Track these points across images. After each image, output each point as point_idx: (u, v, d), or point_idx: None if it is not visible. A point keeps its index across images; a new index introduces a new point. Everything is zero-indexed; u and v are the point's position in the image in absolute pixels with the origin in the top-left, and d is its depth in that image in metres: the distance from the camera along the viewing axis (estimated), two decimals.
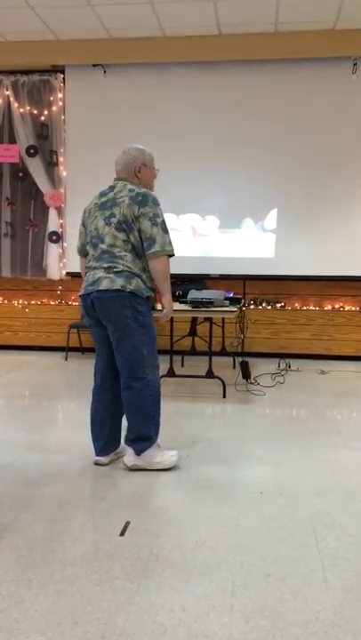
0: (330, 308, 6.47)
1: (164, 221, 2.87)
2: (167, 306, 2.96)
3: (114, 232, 2.88)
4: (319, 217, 6.23)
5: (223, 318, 5.82)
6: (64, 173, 6.65)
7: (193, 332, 5.67)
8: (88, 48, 6.23)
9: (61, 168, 6.66)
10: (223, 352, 6.02)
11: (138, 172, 3.02)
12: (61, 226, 6.72)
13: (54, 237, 6.70)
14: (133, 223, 2.84)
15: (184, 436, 3.57)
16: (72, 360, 6.25)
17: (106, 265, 2.88)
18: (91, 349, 6.60)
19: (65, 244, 6.72)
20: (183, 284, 6.26)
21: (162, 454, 2.95)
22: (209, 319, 4.85)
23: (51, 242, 6.71)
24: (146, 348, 2.88)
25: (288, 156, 6.24)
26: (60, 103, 6.60)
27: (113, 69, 6.42)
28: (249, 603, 1.82)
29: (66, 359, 6.26)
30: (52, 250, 6.71)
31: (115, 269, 2.85)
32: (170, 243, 2.87)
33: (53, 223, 6.70)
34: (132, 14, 5.59)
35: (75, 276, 6.71)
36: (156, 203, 2.89)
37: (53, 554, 2.11)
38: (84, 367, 5.94)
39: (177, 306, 4.79)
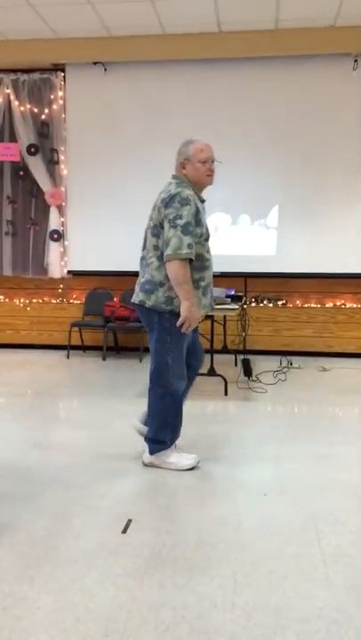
0: (331, 305, 6.46)
1: (187, 223, 2.69)
2: (183, 313, 2.74)
3: (149, 236, 2.86)
4: (321, 214, 6.22)
5: (225, 316, 5.82)
6: (65, 172, 6.65)
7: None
8: (88, 46, 6.22)
9: (62, 166, 6.65)
10: (225, 350, 6.02)
11: (183, 168, 2.94)
12: (62, 224, 6.72)
13: (55, 236, 6.70)
14: (161, 226, 2.79)
15: (186, 433, 3.56)
16: (74, 358, 6.26)
17: (140, 272, 2.91)
18: (92, 348, 6.65)
19: (66, 243, 6.72)
20: None
21: (178, 456, 2.95)
22: (210, 317, 4.85)
23: (52, 240, 6.71)
24: (171, 357, 2.83)
25: (289, 153, 6.23)
26: (61, 101, 6.59)
27: (113, 67, 6.41)
28: (251, 600, 1.82)
29: (68, 357, 6.26)
30: (54, 248, 6.71)
31: (141, 279, 2.88)
32: (188, 246, 2.68)
33: (54, 221, 6.70)
34: (133, 12, 5.58)
35: (76, 274, 6.71)
36: (183, 203, 2.72)
37: (55, 552, 2.11)
38: (85, 365, 5.95)
39: None
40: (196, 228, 2.76)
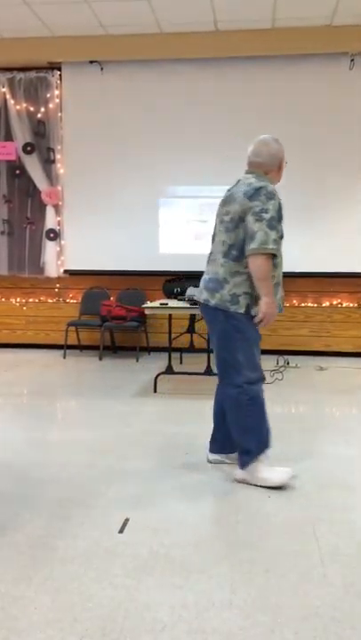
0: (328, 304, 6.47)
1: (273, 217, 2.58)
2: (263, 309, 2.60)
3: (222, 231, 2.74)
4: (317, 213, 6.22)
5: None
6: (61, 171, 6.64)
7: (191, 329, 5.67)
8: (85, 45, 6.21)
9: (59, 165, 6.64)
10: None
11: (279, 169, 2.86)
12: (59, 223, 6.71)
13: (52, 235, 6.69)
14: (240, 220, 2.65)
15: (183, 433, 3.57)
16: (70, 358, 6.25)
17: (206, 270, 2.84)
18: (89, 347, 6.64)
19: (63, 242, 6.71)
20: (181, 280, 6.27)
21: (269, 470, 2.70)
22: None
23: (48, 239, 6.70)
24: (242, 353, 2.69)
25: (286, 151, 6.21)
26: (57, 100, 6.58)
27: (110, 66, 6.40)
28: (248, 599, 1.82)
29: (64, 357, 6.25)
30: (50, 247, 6.70)
31: (206, 277, 2.80)
32: (274, 241, 2.56)
33: (51, 221, 6.69)
34: (129, 11, 5.57)
35: (73, 273, 6.70)
36: (269, 197, 2.61)
37: (53, 551, 2.11)
38: (82, 365, 5.94)
39: (175, 303, 4.80)
40: (279, 224, 2.64)
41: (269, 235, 2.56)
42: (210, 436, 2.99)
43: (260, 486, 2.66)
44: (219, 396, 2.94)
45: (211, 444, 2.99)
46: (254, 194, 2.62)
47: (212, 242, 2.86)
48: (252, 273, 2.61)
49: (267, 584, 1.90)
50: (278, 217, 2.63)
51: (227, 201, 2.77)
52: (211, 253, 2.84)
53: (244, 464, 2.72)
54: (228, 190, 2.84)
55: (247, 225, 2.61)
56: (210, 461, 2.98)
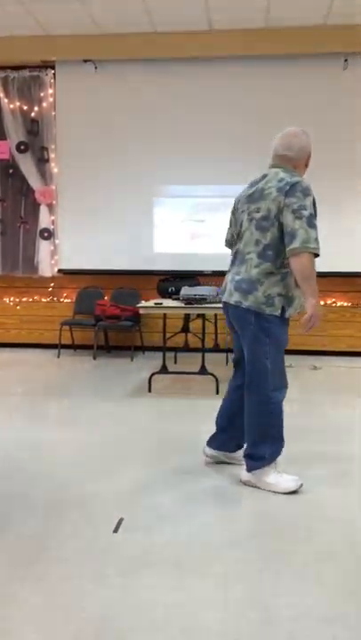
0: (323, 303, 6.48)
1: (311, 215, 2.48)
2: (309, 310, 2.50)
3: (252, 229, 2.61)
4: None
5: (216, 314, 5.81)
6: (55, 170, 6.62)
7: (186, 329, 5.67)
8: (79, 44, 6.20)
9: (52, 164, 6.62)
10: (216, 348, 6.02)
11: (306, 164, 2.75)
12: (53, 222, 6.69)
13: (46, 234, 6.67)
14: (276, 218, 2.53)
15: (177, 432, 3.57)
16: (64, 357, 6.23)
17: (234, 270, 2.70)
18: (83, 347, 6.63)
19: (57, 241, 6.69)
20: (176, 280, 6.26)
21: (278, 476, 2.66)
22: (202, 316, 4.85)
23: (42, 239, 6.68)
24: (270, 360, 2.61)
25: None
26: (51, 99, 6.56)
27: (104, 65, 6.39)
28: (242, 597, 1.82)
29: (58, 356, 6.24)
30: (44, 247, 6.69)
31: (236, 278, 2.65)
32: (315, 240, 2.46)
33: (45, 220, 6.67)
34: (123, 10, 5.56)
35: (67, 272, 6.69)
36: (305, 193, 2.50)
37: (46, 551, 2.10)
38: (76, 364, 5.92)
39: (170, 302, 4.80)
40: (315, 221, 2.53)
41: (310, 233, 2.46)
42: (211, 433, 2.95)
43: (267, 490, 2.63)
44: (233, 396, 2.85)
45: (211, 439, 2.95)
46: (290, 190, 2.50)
47: (239, 239, 2.71)
48: (295, 273, 2.51)
49: (261, 583, 1.90)
50: (315, 214, 2.53)
51: (255, 197, 2.63)
52: (238, 252, 2.71)
53: (252, 468, 2.68)
54: (253, 185, 2.71)
55: (285, 223, 2.49)
56: (206, 455, 2.95)
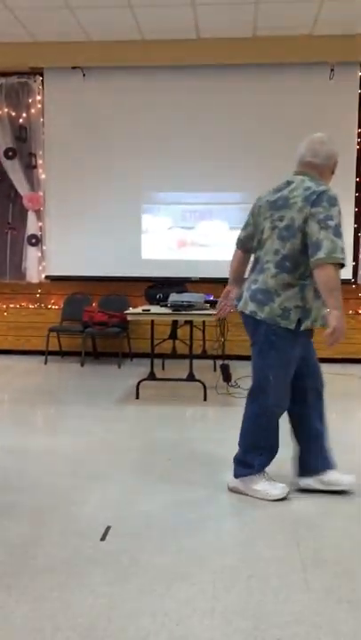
0: None
1: (338, 225, 2.40)
2: (331, 323, 2.39)
3: (274, 238, 2.54)
4: None
5: (204, 321, 5.83)
6: (43, 176, 6.61)
7: (174, 336, 5.67)
8: (67, 51, 6.21)
9: (40, 171, 6.61)
10: (204, 355, 6.03)
11: (332, 172, 2.67)
12: (40, 229, 6.67)
13: (33, 240, 6.65)
14: (299, 229, 2.45)
15: (165, 439, 3.56)
16: (51, 364, 6.20)
17: (252, 278, 2.63)
18: (70, 353, 6.60)
19: (44, 247, 6.67)
20: (163, 287, 6.27)
21: (266, 484, 2.65)
22: (190, 322, 4.85)
23: (30, 245, 6.66)
24: (273, 374, 2.56)
25: (267, 159, 6.28)
26: (39, 106, 6.56)
27: (92, 72, 6.41)
28: (230, 605, 1.82)
29: (45, 363, 6.21)
30: (32, 253, 6.66)
31: (253, 287, 2.59)
32: (342, 250, 2.37)
33: (32, 226, 6.65)
34: (112, 18, 5.59)
35: (54, 279, 6.67)
36: (332, 203, 2.42)
37: (33, 560, 2.08)
38: (63, 371, 5.90)
39: (157, 309, 4.80)
40: (341, 230, 2.45)
41: (337, 243, 2.37)
42: (294, 459, 2.75)
43: (252, 497, 2.63)
44: (293, 415, 2.73)
45: (299, 466, 2.74)
46: (317, 199, 2.43)
47: (260, 246, 2.64)
48: (319, 284, 2.42)
49: (249, 590, 1.90)
50: (340, 224, 2.45)
51: (279, 205, 2.55)
52: (258, 260, 2.65)
53: (239, 475, 2.68)
54: (277, 191, 2.63)
55: (310, 233, 2.41)
56: (301, 488, 2.71)
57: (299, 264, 2.49)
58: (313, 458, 2.69)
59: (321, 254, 2.37)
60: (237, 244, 2.88)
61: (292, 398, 2.67)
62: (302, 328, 2.54)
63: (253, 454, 2.65)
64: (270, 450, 2.67)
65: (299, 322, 2.52)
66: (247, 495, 2.66)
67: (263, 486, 2.64)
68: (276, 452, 2.69)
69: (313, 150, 2.60)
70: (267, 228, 2.59)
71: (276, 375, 2.57)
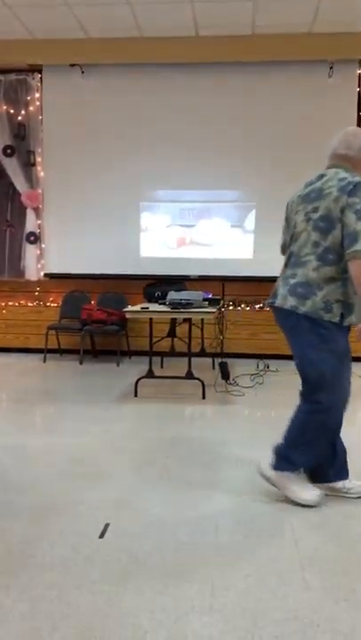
0: None
1: None
2: (356, 320, 2.33)
3: (310, 230, 2.45)
4: None
5: (202, 319, 5.83)
6: (42, 174, 6.60)
7: (172, 334, 5.67)
8: (66, 48, 6.19)
9: (39, 168, 6.60)
10: (202, 353, 6.03)
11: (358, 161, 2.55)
12: (39, 226, 6.66)
13: (32, 238, 6.64)
14: (337, 219, 2.36)
15: (163, 437, 3.56)
16: (50, 362, 6.20)
17: (288, 273, 2.53)
18: (69, 351, 6.60)
19: (43, 245, 6.67)
20: (162, 285, 6.27)
21: (301, 487, 2.56)
22: (188, 320, 4.85)
23: (28, 242, 6.65)
24: (329, 367, 2.44)
25: (265, 158, 6.28)
26: (38, 103, 6.54)
27: (91, 69, 6.39)
28: (228, 603, 1.82)
29: (44, 361, 6.21)
30: (30, 251, 6.66)
31: (291, 281, 2.49)
32: None
33: (31, 224, 6.65)
34: (110, 15, 5.57)
35: (53, 277, 6.66)
36: None
37: (31, 559, 2.09)
38: (62, 369, 5.90)
39: (156, 307, 4.80)
40: None
41: None
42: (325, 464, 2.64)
43: (287, 498, 2.57)
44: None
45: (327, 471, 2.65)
46: (353, 189, 2.34)
47: (294, 240, 2.56)
48: (353, 277, 2.33)
49: (246, 588, 1.91)
50: None
51: (313, 197, 2.48)
52: (292, 254, 2.55)
53: (278, 468, 2.58)
54: (308, 185, 2.59)
55: (347, 223, 2.33)
56: (326, 494, 2.62)
57: (342, 256, 2.39)
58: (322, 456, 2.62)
59: (358, 246, 2.29)
60: (281, 251, 2.76)
61: None
62: (345, 323, 2.44)
63: (299, 452, 2.55)
64: (319, 453, 2.57)
65: (342, 316, 2.42)
66: (277, 488, 2.59)
67: (298, 487, 2.56)
68: (329, 456, 2.60)
69: (346, 142, 2.56)
70: (300, 221, 2.52)
71: (333, 368, 2.44)
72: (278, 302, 2.55)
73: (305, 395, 2.57)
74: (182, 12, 5.49)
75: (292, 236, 2.59)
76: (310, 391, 2.53)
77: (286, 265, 2.61)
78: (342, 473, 2.66)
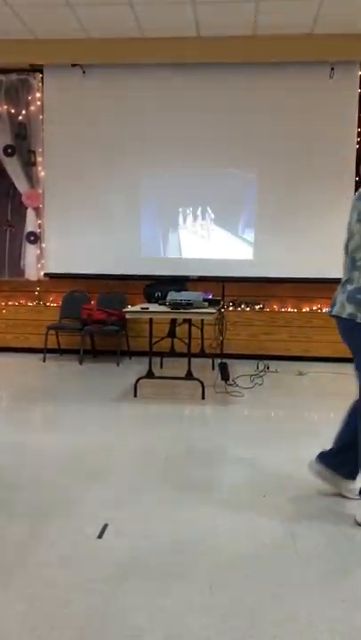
0: (308, 309, 6.52)
1: None
2: None
3: None
4: (297, 220, 6.28)
5: (202, 320, 5.82)
6: (42, 173, 6.60)
7: (172, 334, 5.67)
8: (67, 48, 6.20)
9: (40, 168, 6.60)
10: (202, 354, 6.03)
11: None
12: (39, 226, 6.67)
13: (32, 238, 6.64)
14: None
15: (163, 437, 3.56)
16: (50, 362, 6.20)
17: (344, 278, 2.39)
18: (69, 351, 6.60)
19: (43, 245, 6.67)
20: (162, 285, 6.27)
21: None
22: (188, 321, 4.85)
23: (29, 242, 6.66)
24: None
25: (266, 159, 6.29)
26: (39, 103, 6.55)
27: (92, 70, 6.40)
28: (227, 603, 1.82)
29: (44, 361, 6.20)
30: (30, 250, 6.66)
31: (347, 287, 2.35)
32: None
33: (31, 223, 6.65)
34: (111, 15, 5.58)
35: (53, 276, 6.66)
36: None
37: (30, 557, 2.08)
38: (62, 369, 5.90)
39: (156, 307, 4.80)
40: None
41: None
42: (326, 449, 2.66)
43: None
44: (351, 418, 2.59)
45: (322, 454, 2.65)
46: None
47: (349, 240, 2.44)
48: None
49: (245, 588, 1.91)
50: None
51: None
52: (348, 254, 2.43)
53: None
54: None
55: None
56: (316, 473, 2.65)
57: None
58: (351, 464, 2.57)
59: None
60: (344, 251, 2.58)
61: None
62: None
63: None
64: None
65: None
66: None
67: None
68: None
69: None
70: (354, 220, 2.37)
71: None
72: (336, 311, 2.40)
73: None
74: (183, 13, 5.50)
75: (349, 236, 2.45)
76: None
77: (344, 269, 2.47)
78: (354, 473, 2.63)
